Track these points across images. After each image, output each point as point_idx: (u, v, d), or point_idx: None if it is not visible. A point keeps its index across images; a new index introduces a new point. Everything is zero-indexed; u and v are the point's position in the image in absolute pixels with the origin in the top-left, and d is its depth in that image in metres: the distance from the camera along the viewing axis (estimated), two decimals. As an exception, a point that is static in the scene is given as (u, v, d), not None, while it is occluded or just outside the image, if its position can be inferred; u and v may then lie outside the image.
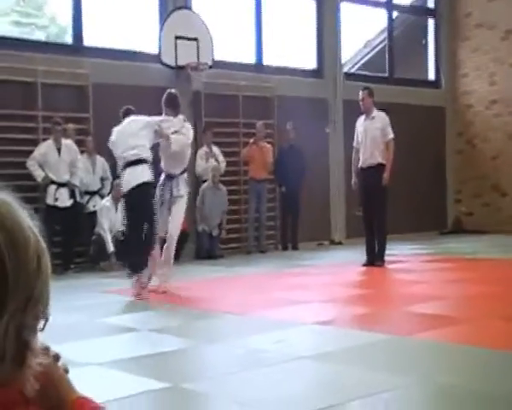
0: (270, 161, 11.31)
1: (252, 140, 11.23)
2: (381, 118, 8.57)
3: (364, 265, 8.50)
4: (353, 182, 8.76)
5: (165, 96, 7.20)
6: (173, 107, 7.10)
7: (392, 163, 8.52)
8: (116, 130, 6.87)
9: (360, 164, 8.59)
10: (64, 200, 9.25)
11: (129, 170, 6.56)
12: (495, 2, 14.11)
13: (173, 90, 7.34)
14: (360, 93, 8.67)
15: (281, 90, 11.96)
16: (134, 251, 6.62)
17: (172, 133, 6.92)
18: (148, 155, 6.71)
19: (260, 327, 4.88)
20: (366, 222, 8.61)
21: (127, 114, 7.04)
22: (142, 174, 6.55)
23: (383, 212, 8.50)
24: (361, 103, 8.62)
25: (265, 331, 4.70)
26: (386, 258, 8.57)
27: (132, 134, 6.68)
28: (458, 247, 11.09)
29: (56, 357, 1.13)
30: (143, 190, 6.52)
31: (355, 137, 8.80)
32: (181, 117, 7.20)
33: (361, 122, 8.69)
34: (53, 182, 9.17)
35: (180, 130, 7.04)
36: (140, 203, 6.56)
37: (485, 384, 3.21)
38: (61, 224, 9.19)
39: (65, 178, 9.27)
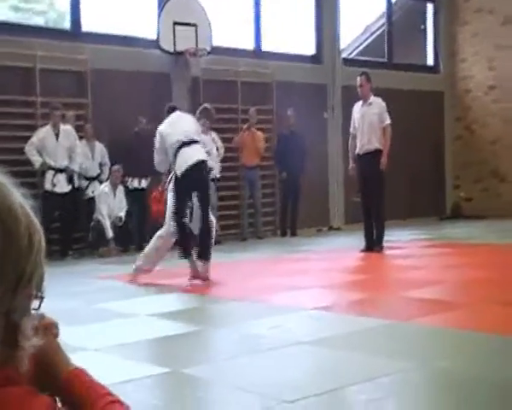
0: (261, 147, 11.27)
1: (245, 126, 11.19)
2: (378, 104, 8.54)
3: (363, 250, 8.51)
4: (350, 167, 8.77)
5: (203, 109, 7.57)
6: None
7: (389, 148, 8.51)
8: (167, 122, 6.77)
9: (357, 150, 8.57)
10: (62, 186, 9.25)
11: (183, 149, 6.43)
12: (495, -14, 14.05)
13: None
14: (358, 79, 8.61)
15: (279, 76, 11.92)
16: (187, 235, 6.46)
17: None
18: (200, 138, 6.76)
19: (259, 312, 4.89)
20: (364, 208, 8.62)
21: (173, 110, 7.03)
22: (198, 152, 6.52)
23: (381, 197, 8.49)
24: (359, 89, 8.57)
25: (264, 317, 4.71)
26: (385, 243, 8.58)
27: (186, 123, 6.69)
28: (457, 232, 11.11)
29: (49, 326, 1.13)
30: (201, 168, 6.44)
31: (351, 123, 8.78)
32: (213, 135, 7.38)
33: (358, 108, 8.66)
34: (51, 167, 9.15)
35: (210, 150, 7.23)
36: (198, 183, 6.46)
37: (484, 369, 3.22)
38: (59, 209, 9.20)
39: (63, 163, 9.26)
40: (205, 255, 6.36)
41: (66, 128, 9.31)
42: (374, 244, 8.49)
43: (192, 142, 6.51)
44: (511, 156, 13.84)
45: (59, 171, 9.21)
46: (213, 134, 10.92)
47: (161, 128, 6.70)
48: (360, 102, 8.63)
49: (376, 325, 4.28)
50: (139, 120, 10.15)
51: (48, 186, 9.11)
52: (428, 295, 5.21)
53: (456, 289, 5.69)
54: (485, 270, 6.51)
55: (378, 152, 8.42)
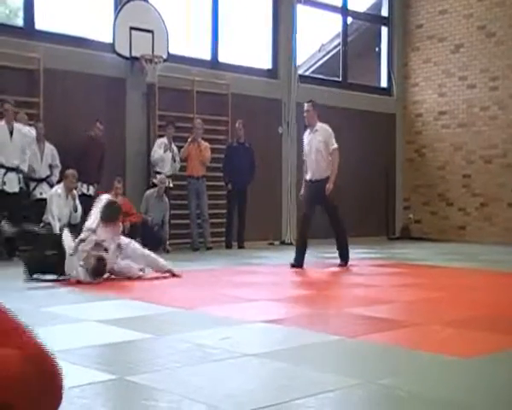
0: (207, 157, 11.25)
1: (190, 139, 11.15)
2: (323, 130, 8.54)
3: (292, 266, 8.46)
4: (300, 194, 8.87)
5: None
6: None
7: (336, 173, 8.47)
8: None
9: (309, 177, 8.58)
10: (12, 185, 8.97)
11: None
12: (446, 15, 14.45)
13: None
14: (305, 105, 8.65)
15: (236, 88, 11.95)
16: None
17: None
18: None
19: (208, 323, 4.85)
20: (304, 226, 8.65)
21: None
22: None
23: (338, 215, 8.58)
24: (305, 115, 8.63)
25: (213, 327, 4.68)
26: (335, 261, 8.67)
27: None
28: (405, 253, 11.28)
29: None
30: None
31: (304, 148, 8.82)
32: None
33: (306, 135, 8.70)
34: (2, 166, 8.89)
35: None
36: None
37: (426, 387, 3.27)
38: (7, 209, 8.93)
39: (15, 162, 8.99)
40: None
41: (21, 127, 9.04)
42: (340, 258, 8.67)
43: None
44: (458, 181, 14.19)
45: (10, 170, 8.94)
46: (173, 145, 10.91)
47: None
48: (308, 129, 8.69)
49: (323, 341, 4.29)
50: (96, 126, 9.99)
51: None
52: (376, 313, 5.26)
53: (404, 308, 5.76)
54: (431, 290, 6.62)
55: (328, 179, 8.44)
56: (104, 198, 7.30)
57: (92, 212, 7.19)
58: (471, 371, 3.61)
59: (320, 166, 8.42)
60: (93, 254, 6.66)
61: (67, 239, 6.73)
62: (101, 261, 6.67)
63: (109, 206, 7.10)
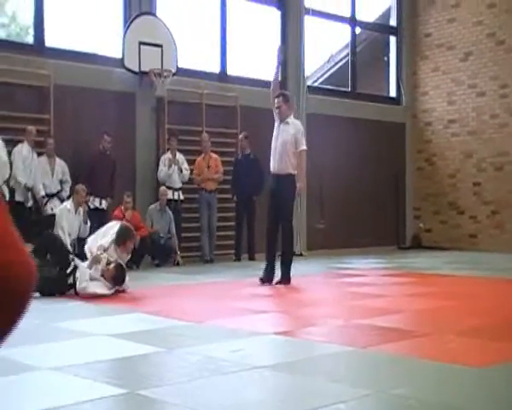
0: (218, 170, 11.26)
1: (200, 157, 11.18)
2: (295, 125, 7.93)
3: (261, 280, 7.83)
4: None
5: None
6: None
7: (304, 172, 8.01)
8: None
9: (271, 169, 7.96)
10: None
11: None
12: (454, 23, 14.43)
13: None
14: (276, 100, 7.96)
15: (244, 101, 11.98)
16: None
17: None
18: None
19: (218, 336, 4.86)
20: (270, 232, 8.02)
21: None
22: None
23: (289, 225, 7.98)
24: (277, 111, 7.88)
25: (223, 340, 4.68)
26: (346, 271, 8.61)
27: None
28: (416, 262, 11.24)
29: None
30: None
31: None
32: None
33: (275, 127, 8.03)
34: None
35: None
36: None
37: (436, 396, 3.26)
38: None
39: None
40: None
41: None
42: (281, 275, 7.86)
43: None
44: (469, 189, 14.14)
45: None
46: (179, 155, 10.93)
47: None
48: (278, 122, 8.02)
49: (335, 352, 4.29)
50: (103, 138, 10.05)
51: None
52: (387, 324, 5.24)
53: (415, 318, 5.75)
54: (442, 300, 6.60)
55: (290, 176, 7.81)
56: (116, 225, 7.71)
57: (105, 231, 7.58)
58: (482, 381, 3.59)
59: (283, 160, 7.75)
60: (111, 266, 7.03)
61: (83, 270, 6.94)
62: (119, 268, 7.04)
63: (122, 229, 7.54)
